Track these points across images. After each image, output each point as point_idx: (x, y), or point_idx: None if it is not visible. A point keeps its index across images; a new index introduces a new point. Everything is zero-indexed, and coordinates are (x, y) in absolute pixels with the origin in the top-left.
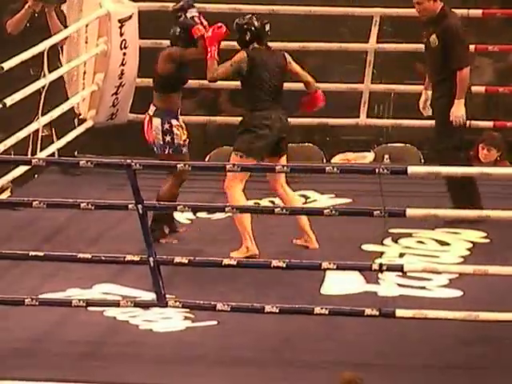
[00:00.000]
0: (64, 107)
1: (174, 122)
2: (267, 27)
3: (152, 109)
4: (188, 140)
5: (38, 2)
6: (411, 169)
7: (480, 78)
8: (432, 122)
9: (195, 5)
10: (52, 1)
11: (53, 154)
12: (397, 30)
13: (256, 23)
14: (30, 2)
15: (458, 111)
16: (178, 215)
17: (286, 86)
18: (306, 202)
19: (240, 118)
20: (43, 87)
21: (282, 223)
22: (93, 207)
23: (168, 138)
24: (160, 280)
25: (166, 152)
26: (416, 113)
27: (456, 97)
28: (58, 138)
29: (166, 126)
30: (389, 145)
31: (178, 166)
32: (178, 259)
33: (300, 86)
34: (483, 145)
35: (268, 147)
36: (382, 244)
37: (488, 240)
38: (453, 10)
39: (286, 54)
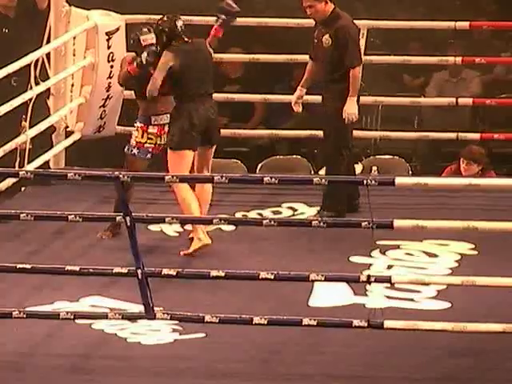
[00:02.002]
0: (51, 120)
1: (137, 124)
2: (179, 23)
3: None
4: (147, 146)
5: None
6: (399, 180)
7: (467, 89)
8: (420, 134)
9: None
10: None
11: (40, 167)
12: (384, 42)
13: (166, 23)
14: None
15: (351, 109)
16: (166, 228)
17: None
18: (294, 214)
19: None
20: (30, 99)
21: (270, 235)
22: (81, 219)
23: (129, 138)
24: (148, 292)
25: (125, 149)
26: (404, 125)
27: (349, 94)
28: (45, 151)
29: (134, 124)
30: (377, 157)
31: (166, 177)
32: (165, 271)
33: None
34: (463, 159)
35: (198, 138)
36: (370, 256)
37: (476, 252)
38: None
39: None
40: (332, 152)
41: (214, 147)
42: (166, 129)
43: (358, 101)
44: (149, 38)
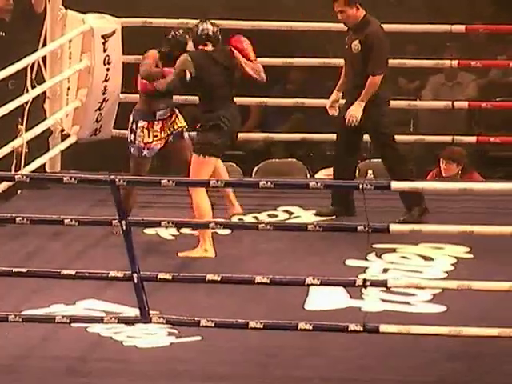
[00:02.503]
0: (47, 123)
1: (140, 122)
2: (200, 29)
3: None
4: (155, 144)
5: None
6: (394, 184)
7: (463, 93)
8: (416, 137)
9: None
10: None
11: (36, 170)
12: None
13: (199, 27)
14: None
15: (355, 112)
16: (161, 231)
17: None
18: (289, 218)
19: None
20: (26, 103)
21: (266, 239)
22: (76, 223)
23: (131, 137)
24: (144, 296)
25: (130, 151)
26: (399, 128)
27: (359, 99)
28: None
29: (133, 125)
30: (372, 160)
31: (162, 181)
32: (161, 275)
33: None
34: (442, 159)
35: (226, 145)
36: (366, 259)
37: (472, 255)
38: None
39: (232, 48)
40: (390, 155)
41: None
42: (169, 121)
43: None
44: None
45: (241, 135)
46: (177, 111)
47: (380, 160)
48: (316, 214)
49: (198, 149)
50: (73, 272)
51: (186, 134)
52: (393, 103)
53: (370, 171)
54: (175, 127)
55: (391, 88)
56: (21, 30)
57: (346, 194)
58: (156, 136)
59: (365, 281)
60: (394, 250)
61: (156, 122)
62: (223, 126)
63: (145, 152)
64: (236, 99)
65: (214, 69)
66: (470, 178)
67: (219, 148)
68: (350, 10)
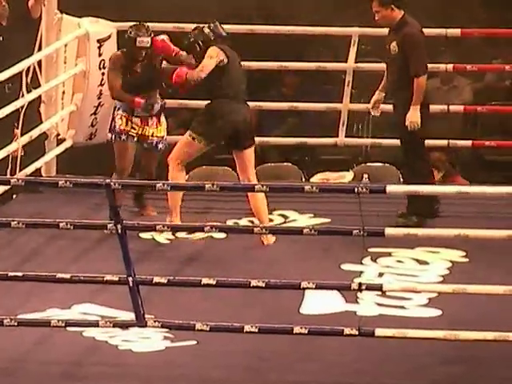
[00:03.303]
0: (43, 128)
1: (120, 111)
2: (220, 29)
3: None
4: (134, 134)
5: None
6: (390, 188)
7: (458, 97)
8: None
9: None
10: None
11: (32, 174)
12: (375, 50)
13: (207, 30)
14: None
15: (413, 117)
16: (157, 235)
17: None
18: (285, 222)
19: None
20: (22, 107)
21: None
22: (72, 227)
23: (112, 124)
24: (139, 300)
25: (110, 137)
26: (395, 132)
27: (412, 103)
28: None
29: (114, 112)
30: (368, 164)
31: (157, 185)
32: (157, 279)
33: None
34: None
35: (225, 136)
36: (361, 263)
37: (467, 259)
38: (413, 20)
39: None
40: (411, 158)
41: (251, 148)
42: (150, 122)
43: (427, 108)
44: (145, 41)
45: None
46: (162, 118)
47: (379, 164)
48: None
49: (190, 128)
50: (68, 276)
51: (161, 145)
52: (388, 107)
53: (365, 175)
54: (154, 134)
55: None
56: (17, 35)
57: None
58: (134, 128)
59: (360, 285)
60: (389, 254)
61: (134, 117)
62: (224, 118)
63: (123, 137)
64: None
65: (236, 63)
66: (453, 182)
67: (209, 136)
68: (385, 10)
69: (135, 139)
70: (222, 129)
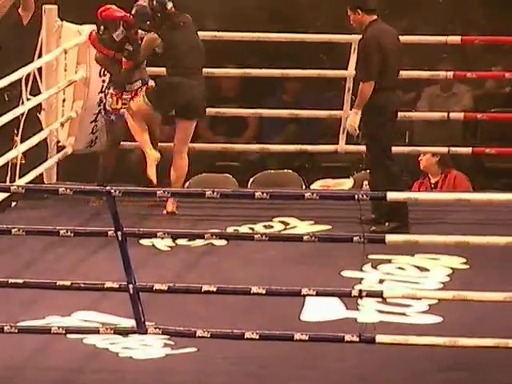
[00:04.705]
0: (42, 135)
1: (111, 90)
2: (169, 5)
3: None
4: (123, 111)
5: None
6: (390, 195)
7: (458, 104)
8: (411, 149)
9: None
10: None
11: (32, 181)
12: None
13: (157, 6)
14: None
15: (351, 120)
16: (157, 242)
17: None
18: (285, 229)
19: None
20: (22, 114)
21: (262, 249)
22: (72, 234)
23: (103, 102)
24: (140, 307)
25: (103, 115)
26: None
27: (354, 106)
28: (35, 166)
29: (105, 91)
30: (368, 171)
31: (158, 192)
32: (157, 286)
33: None
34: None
35: (171, 109)
36: (362, 270)
37: (467, 266)
38: (383, 24)
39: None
40: (374, 164)
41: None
42: (140, 92)
43: (392, 115)
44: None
45: (236, 146)
46: (142, 89)
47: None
48: None
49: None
50: (68, 283)
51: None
52: None
53: (365, 182)
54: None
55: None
56: (10, 42)
57: None
58: (124, 104)
59: (361, 291)
60: (389, 261)
61: (125, 93)
62: (170, 92)
63: (112, 117)
64: (232, 110)
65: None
66: (452, 175)
67: (157, 108)
68: (353, 15)
69: (124, 116)
70: (168, 102)
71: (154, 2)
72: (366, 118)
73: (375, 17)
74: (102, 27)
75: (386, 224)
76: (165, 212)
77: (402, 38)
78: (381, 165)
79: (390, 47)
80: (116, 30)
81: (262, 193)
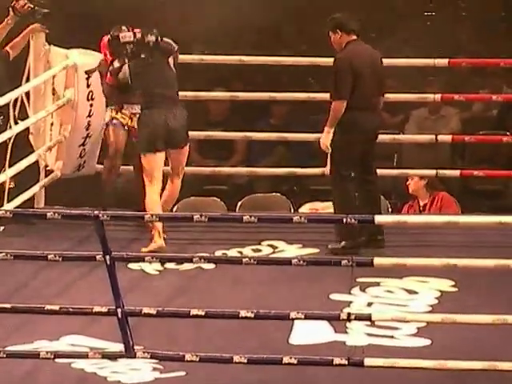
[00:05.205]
0: (31, 159)
1: (109, 108)
2: (148, 38)
3: None
4: (124, 123)
5: (15, 17)
6: (378, 218)
7: (446, 126)
8: (400, 171)
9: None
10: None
11: (19, 206)
12: None
13: (137, 35)
14: (8, 18)
15: (323, 138)
16: (145, 266)
17: None
18: (273, 252)
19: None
20: (9, 138)
21: (250, 273)
22: (60, 259)
23: (104, 120)
24: (128, 331)
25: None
26: (382, 162)
27: (326, 124)
28: (24, 190)
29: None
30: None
31: (146, 216)
32: (145, 310)
33: None
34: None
35: (163, 140)
36: (350, 293)
37: (456, 289)
38: (361, 44)
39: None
40: (331, 183)
41: (187, 147)
42: (134, 118)
43: (361, 134)
44: (127, 36)
45: (224, 170)
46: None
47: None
48: None
49: (140, 149)
50: (57, 307)
51: None
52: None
53: None
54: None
55: (376, 120)
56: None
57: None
58: (124, 118)
59: (349, 315)
60: (378, 284)
61: (124, 109)
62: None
63: (114, 121)
64: (221, 133)
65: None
66: (439, 197)
67: (153, 144)
68: (333, 35)
69: (125, 128)
70: (155, 136)
71: (139, 32)
72: (333, 137)
73: (354, 37)
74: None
75: (342, 243)
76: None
77: (390, 61)
78: (338, 185)
79: (363, 68)
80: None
81: (250, 216)
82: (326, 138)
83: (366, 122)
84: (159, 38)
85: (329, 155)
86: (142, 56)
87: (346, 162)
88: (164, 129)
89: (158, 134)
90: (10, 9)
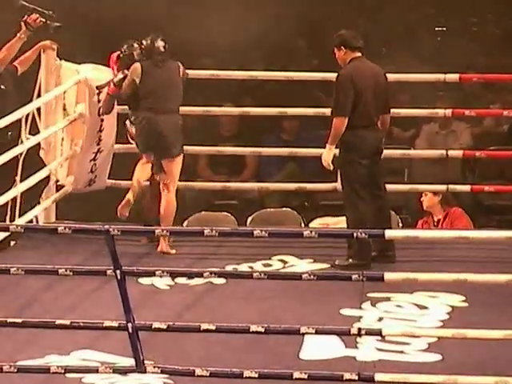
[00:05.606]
0: (42, 174)
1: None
2: (157, 43)
3: None
4: None
5: (27, 31)
6: (388, 232)
7: (457, 141)
8: (410, 187)
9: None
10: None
11: (31, 221)
12: None
13: (145, 41)
14: (21, 33)
15: (325, 156)
16: (156, 281)
17: None
18: (284, 267)
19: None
20: (21, 154)
21: (261, 288)
22: (71, 273)
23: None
24: (139, 345)
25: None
26: (392, 177)
27: (328, 142)
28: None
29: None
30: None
31: (157, 231)
32: (156, 324)
33: None
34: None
35: (150, 146)
36: (361, 308)
37: (467, 304)
38: (364, 61)
39: (179, 63)
40: (347, 201)
41: (172, 160)
42: None
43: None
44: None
45: (235, 185)
46: None
47: None
48: None
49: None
50: (67, 322)
51: None
52: (386, 152)
53: None
54: None
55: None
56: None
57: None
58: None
59: (360, 330)
60: (388, 299)
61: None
62: (144, 129)
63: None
64: (231, 149)
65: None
66: (452, 211)
67: (139, 147)
68: (338, 51)
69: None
70: (144, 140)
71: (148, 39)
72: (338, 156)
73: (358, 54)
74: None
75: (349, 260)
76: (159, 250)
77: (400, 76)
78: (349, 202)
79: (365, 85)
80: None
81: (261, 231)
82: (327, 155)
83: (369, 140)
84: (166, 46)
85: (338, 172)
86: (153, 59)
87: (351, 178)
88: (155, 134)
89: (148, 137)
90: (22, 23)
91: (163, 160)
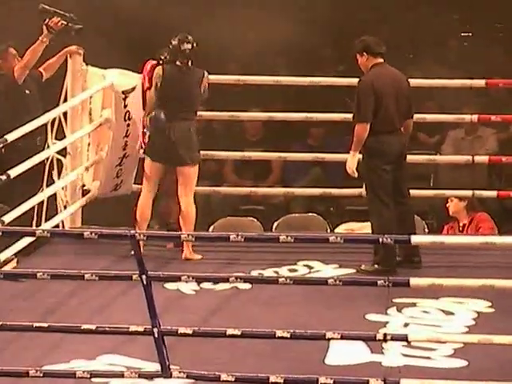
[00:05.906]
0: (68, 179)
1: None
2: (184, 46)
3: None
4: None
5: (49, 34)
6: (414, 238)
7: (483, 147)
8: (436, 192)
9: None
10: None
11: (57, 226)
12: None
13: (173, 42)
14: (43, 36)
15: (349, 162)
16: (182, 286)
17: None
18: (309, 272)
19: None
20: (47, 158)
21: (286, 293)
22: (97, 278)
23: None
24: (164, 350)
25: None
26: (418, 182)
27: (351, 149)
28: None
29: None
30: None
31: (182, 236)
32: (182, 330)
33: None
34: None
35: (163, 153)
36: (387, 314)
37: (493, 310)
38: (388, 67)
39: (205, 72)
40: (368, 205)
41: (188, 168)
42: None
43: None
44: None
45: (261, 190)
46: None
47: None
48: None
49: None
50: (93, 327)
51: None
52: (412, 158)
53: None
54: None
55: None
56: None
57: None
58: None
59: (385, 335)
60: (414, 305)
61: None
62: (155, 135)
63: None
64: (257, 154)
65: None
66: (477, 216)
67: (149, 153)
68: (360, 58)
69: None
70: (156, 146)
71: (176, 39)
72: (362, 162)
73: (380, 60)
74: None
75: (375, 266)
76: (183, 257)
77: (426, 82)
78: (373, 208)
79: (385, 91)
80: None
81: (287, 236)
82: (351, 162)
83: (392, 145)
84: (195, 46)
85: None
86: (178, 63)
87: (374, 185)
88: (166, 142)
89: (158, 143)
90: (44, 27)
91: (177, 168)
